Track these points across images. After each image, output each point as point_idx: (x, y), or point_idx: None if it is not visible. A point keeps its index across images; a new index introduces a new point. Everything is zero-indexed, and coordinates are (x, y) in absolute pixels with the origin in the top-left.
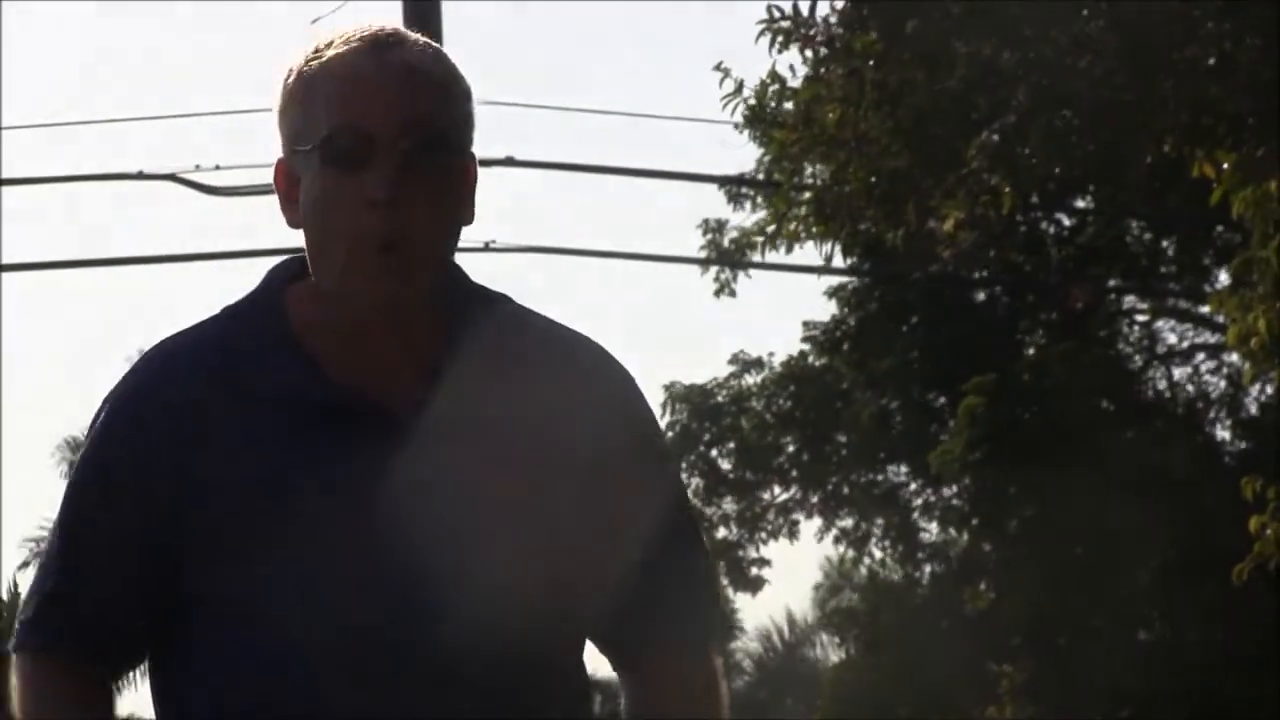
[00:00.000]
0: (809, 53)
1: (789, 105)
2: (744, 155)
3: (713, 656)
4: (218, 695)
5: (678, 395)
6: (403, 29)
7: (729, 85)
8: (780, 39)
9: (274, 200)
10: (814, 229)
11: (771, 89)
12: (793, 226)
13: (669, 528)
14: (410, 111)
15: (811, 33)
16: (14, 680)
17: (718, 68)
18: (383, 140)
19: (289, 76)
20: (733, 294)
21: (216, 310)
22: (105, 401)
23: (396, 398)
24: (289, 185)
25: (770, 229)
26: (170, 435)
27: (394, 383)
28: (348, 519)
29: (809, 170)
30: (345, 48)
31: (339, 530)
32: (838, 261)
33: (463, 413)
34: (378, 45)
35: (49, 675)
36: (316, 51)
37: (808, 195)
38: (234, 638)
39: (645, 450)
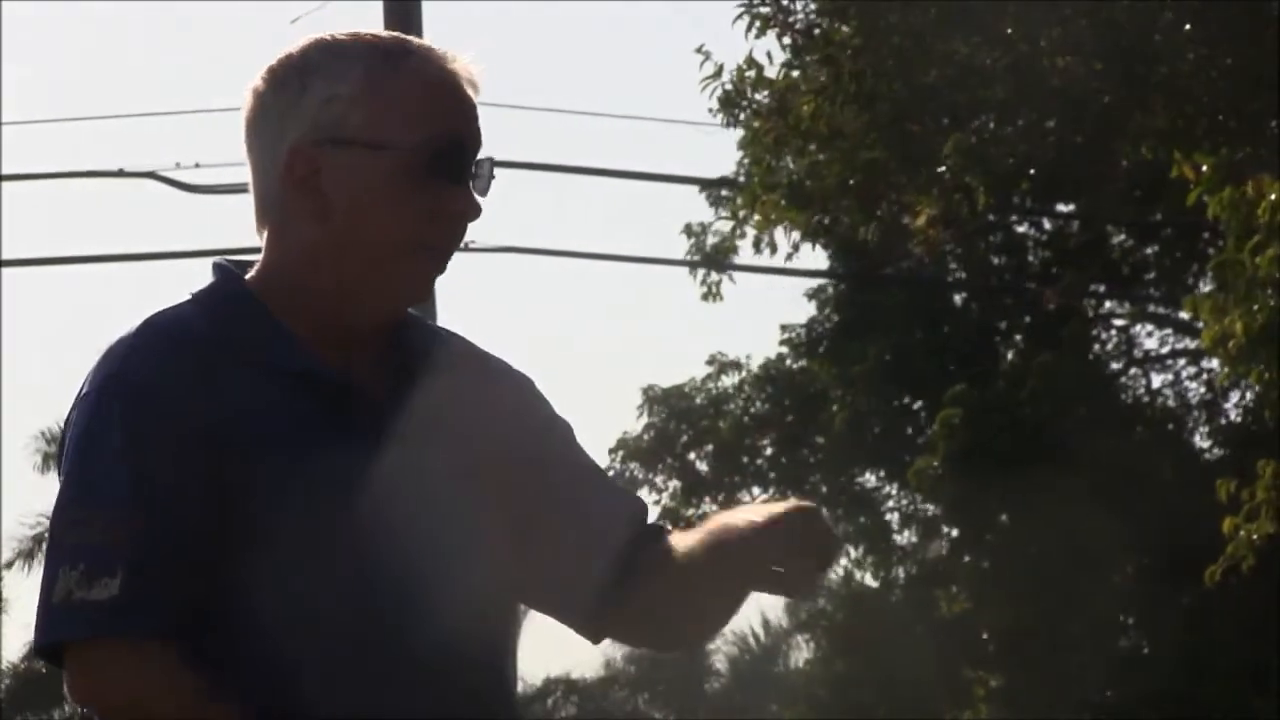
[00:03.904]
0: (786, 39)
1: (764, 95)
2: (725, 158)
3: None
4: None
5: (655, 398)
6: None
7: (709, 68)
8: (758, 24)
9: (253, 198)
10: (787, 215)
11: (748, 74)
12: (769, 215)
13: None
14: (479, 128)
15: (790, 20)
16: (106, 674)
17: (699, 50)
18: (472, 156)
19: (358, 69)
20: (720, 297)
21: (184, 298)
22: (111, 378)
23: (372, 387)
24: (309, 173)
25: (742, 214)
26: (195, 408)
27: (363, 375)
28: (347, 511)
29: (784, 163)
30: (418, 56)
31: (341, 523)
32: (814, 256)
33: (431, 411)
34: (445, 57)
35: (167, 666)
36: (388, 56)
37: (782, 186)
38: (231, 639)
39: (557, 420)
